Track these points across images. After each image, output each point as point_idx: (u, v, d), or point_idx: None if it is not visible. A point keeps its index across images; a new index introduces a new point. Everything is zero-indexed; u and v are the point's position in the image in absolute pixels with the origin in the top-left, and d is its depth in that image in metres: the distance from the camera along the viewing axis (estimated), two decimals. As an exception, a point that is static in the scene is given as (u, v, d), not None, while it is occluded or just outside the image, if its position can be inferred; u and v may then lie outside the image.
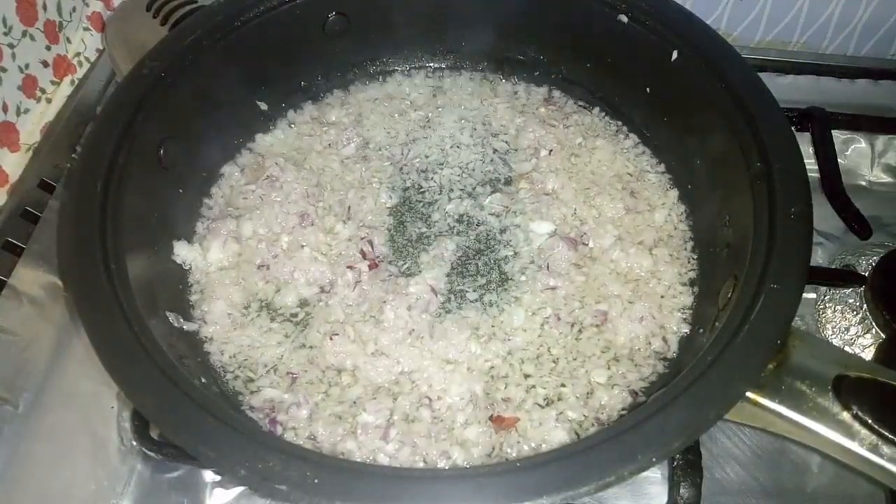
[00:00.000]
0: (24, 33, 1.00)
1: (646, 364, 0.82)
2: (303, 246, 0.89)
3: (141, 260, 0.77)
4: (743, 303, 0.67)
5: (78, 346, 0.87)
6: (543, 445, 0.76)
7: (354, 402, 0.78)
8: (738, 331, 0.64)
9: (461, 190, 0.98)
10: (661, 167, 0.99)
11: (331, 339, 0.81)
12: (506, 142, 1.02)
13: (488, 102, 1.07)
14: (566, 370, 0.81)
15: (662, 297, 0.87)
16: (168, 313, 0.80)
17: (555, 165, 0.98)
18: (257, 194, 0.93)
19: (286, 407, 0.77)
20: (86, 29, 1.13)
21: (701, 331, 0.81)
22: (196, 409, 0.61)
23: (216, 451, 0.58)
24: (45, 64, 1.05)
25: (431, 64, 1.11)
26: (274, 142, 1.02)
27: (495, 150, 1.02)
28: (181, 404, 0.61)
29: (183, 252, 0.87)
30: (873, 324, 0.92)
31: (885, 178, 1.11)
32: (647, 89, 0.98)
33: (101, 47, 1.14)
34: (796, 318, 0.74)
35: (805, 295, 0.77)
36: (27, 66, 1.01)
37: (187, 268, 0.88)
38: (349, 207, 0.94)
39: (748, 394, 0.64)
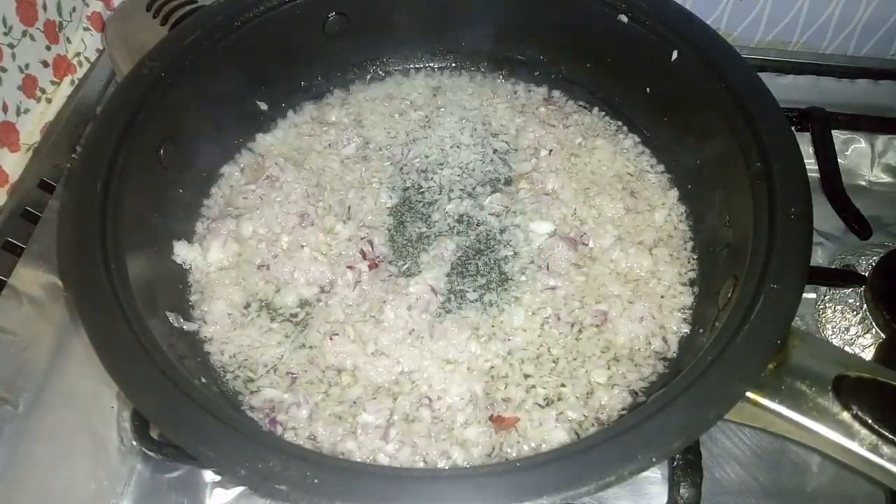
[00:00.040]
0: (24, 33, 1.00)
1: (646, 364, 0.82)
2: (303, 246, 0.89)
3: (141, 260, 0.77)
4: (743, 303, 0.67)
5: (78, 346, 0.88)
6: (543, 445, 0.76)
7: (354, 402, 0.78)
8: (738, 331, 0.64)
9: (461, 190, 0.98)
10: (661, 167, 0.99)
11: (331, 339, 0.81)
12: (506, 142, 1.03)
13: (488, 102, 1.07)
14: (566, 370, 0.81)
15: (662, 297, 0.87)
16: (168, 313, 0.80)
17: (555, 165, 0.98)
18: (257, 194, 0.93)
19: (286, 407, 0.77)
20: (86, 29, 1.13)
21: (701, 331, 0.81)
22: (196, 409, 0.61)
23: (216, 451, 0.58)
24: (45, 64, 1.05)
25: (431, 64, 1.11)
26: (274, 142, 1.02)
27: (495, 150, 1.02)
28: (181, 404, 0.61)
29: (183, 252, 0.87)
30: (873, 324, 0.92)
31: (885, 178, 1.11)
32: (647, 89, 0.98)
33: (101, 47, 1.14)
34: (796, 318, 0.74)
35: (805, 295, 0.77)
36: (27, 66, 1.01)
37: (187, 268, 0.88)
38: (349, 207, 0.94)
39: (748, 394, 0.64)
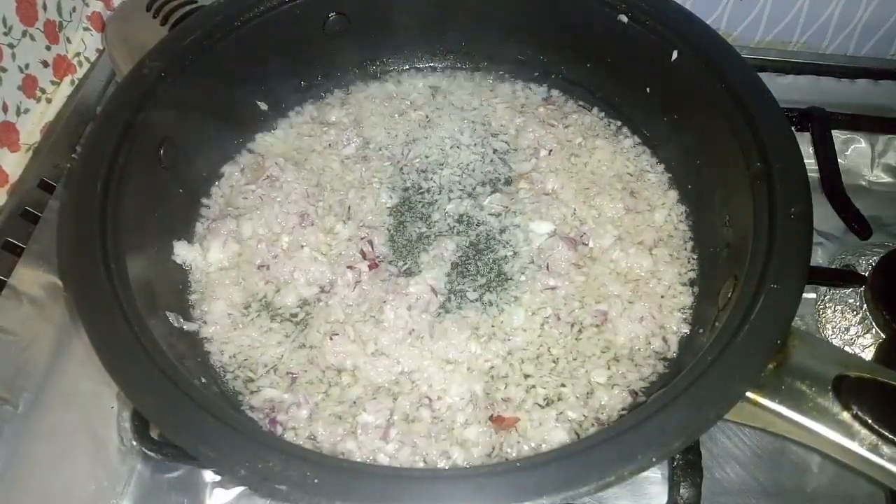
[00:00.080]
0: (24, 33, 1.00)
1: (646, 364, 0.82)
2: (303, 246, 0.89)
3: (141, 260, 0.77)
4: (743, 303, 0.67)
5: (78, 346, 0.88)
6: (543, 445, 0.76)
7: (354, 402, 0.78)
8: (738, 331, 0.64)
9: (461, 190, 0.98)
10: (661, 167, 0.99)
11: (331, 339, 0.81)
12: (505, 142, 1.02)
13: (488, 102, 1.07)
14: (566, 370, 0.81)
15: (662, 297, 0.87)
16: (168, 313, 0.80)
17: (554, 165, 0.98)
18: (257, 194, 0.93)
19: (286, 407, 0.77)
20: (86, 29, 1.13)
21: (701, 331, 0.81)
22: (196, 409, 0.61)
23: (216, 451, 0.58)
24: (45, 64, 1.05)
25: (431, 64, 1.11)
26: (274, 142, 1.02)
27: (495, 150, 1.02)
28: (181, 404, 0.61)
29: (183, 252, 0.87)
30: (873, 324, 0.92)
31: (885, 178, 1.11)
32: (647, 89, 0.98)
33: (101, 47, 1.14)
34: (796, 318, 0.74)
35: (805, 295, 0.77)
36: (27, 66, 1.01)
37: (187, 268, 0.88)
38: (349, 207, 0.94)
39: (748, 394, 0.64)
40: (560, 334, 0.84)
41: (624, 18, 0.94)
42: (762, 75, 0.86)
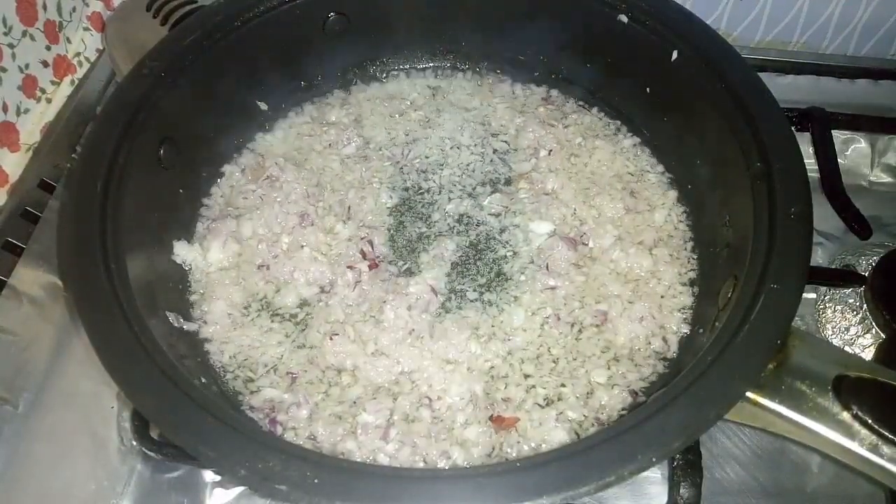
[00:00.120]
0: (24, 33, 1.00)
1: (646, 364, 0.82)
2: (303, 246, 0.89)
3: (141, 260, 0.77)
4: (743, 303, 0.67)
5: (78, 346, 0.88)
6: (543, 445, 0.76)
7: (354, 402, 0.78)
8: (738, 331, 0.64)
9: (461, 190, 0.98)
10: (661, 167, 0.99)
11: (331, 339, 0.81)
12: (505, 142, 1.02)
13: (487, 102, 1.07)
14: (566, 370, 0.81)
15: (662, 297, 0.87)
16: (168, 313, 0.80)
17: (554, 165, 0.98)
18: (257, 194, 0.93)
19: (286, 407, 0.77)
20: (86, 29, 1.13)
21: (701, 331, 0.81)
22: (196, 409, 0.61)
23: (216, 451, 0.58)
24: (45, 64, 1.05)
25: (431, 64, 1.11)
26: (274, 142, 1.02)
27: (495, 150, 1.02)
28: (181, 404, 0.61)
29: (183, 252, 0.87)
30: (873, 324, 0.92)
31: (885, 178, 1.11)
32: (647, 89, 0.98)
33: (101, 47, 1.14)
34: (796, 318, 0.74)
35: (805, 295, 0.77)
36: (27, 66, 1.01)
37: (187, 268, 0.88)
38: (349, 207, 0.94)
39: (748, 394, 0.64)
40: (560, 334, 0.84)
41: (624, 18, 0.94)
42: (762, 75, 0.86)
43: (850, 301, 0.95)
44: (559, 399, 0.79)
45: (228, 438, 0.59)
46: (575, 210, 0.94)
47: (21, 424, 0.82)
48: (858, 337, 0.93)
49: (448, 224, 0.94)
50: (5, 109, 0.98)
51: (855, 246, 1.01)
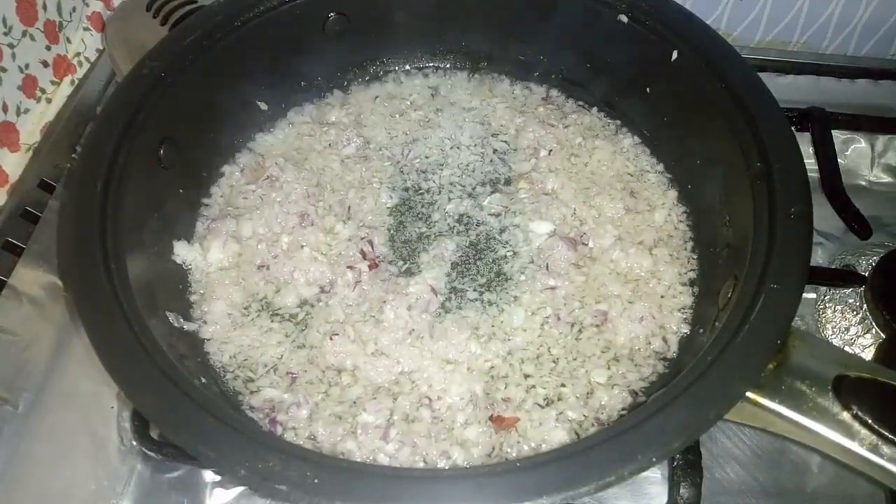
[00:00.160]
0: (24, 33, 1.00)
1: (646, 364, 0.82)
2: (303, 246, 0.89)
3: (141, 260, 0.77)
4: (743, 303, 0.67)
5: (78, 346, 0.88)
6: (543, 445, 0.76)
7: (354, 402, 0.78)
8: (738, 331, 0.64)
9: (461, 190, 0.98)
10: (661, 167, 0.99)
11: (331, 339, 0.81)
12: (505, 142, 1.02)
13: (487, 102, 1.07)
14: (566, 370, 0.81)
15: (662, 297, 0.87)
16: (168, 313, 0.80)
17: (554, 165, 0.98)
18: (257, 194, 0.93)
19: (286, 407, 0.77)
20: (86, 29, 1.13)
21: (701, 331, 0.81)
22: (196, 409, 0.61)
23: (216, 451, 0.58)
24: (45, 64, 1.05)
25: (431, 64, 1.11)
26: (274, 142, 1.02)
27: (495, 150, 1.02)
28: (181, 404, 0.61)
29: (183, 252, 0.87)
30: (873, 324, 0.92)
31: (885, 178, 1.11)
32: (647, 89, 0.98)
33: (101, 47, 1.14)
34: (796, 318, 0.74)
35: (805, 295, 0.77)
36: (27, 66, 1.01)
37: (187, 268, 0.88)
38: (349, 207, 0.94)
39: (748, 394, 0.64)
40: (560, 334, 0.84)
41: (624, 18, 0.94)
42: (762, 75, 0.86)
43: (850, 301, 0.95)
44: (559, 399, 0.79)
45: (228, 438, 0.59)
46: (575, 210, 0.94)
47: (21, 424, 0.82)
48: (858, 337, 0.93)
49: (448, 224, 0.94)
50: (5, 109, 0.98)
51: (855, 246, 1.01)
